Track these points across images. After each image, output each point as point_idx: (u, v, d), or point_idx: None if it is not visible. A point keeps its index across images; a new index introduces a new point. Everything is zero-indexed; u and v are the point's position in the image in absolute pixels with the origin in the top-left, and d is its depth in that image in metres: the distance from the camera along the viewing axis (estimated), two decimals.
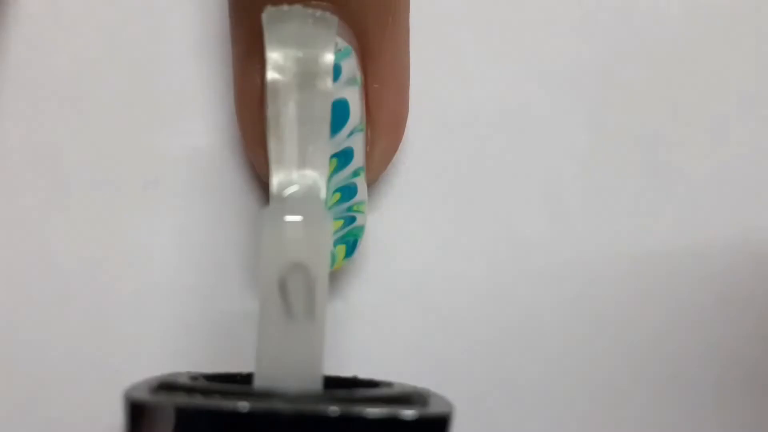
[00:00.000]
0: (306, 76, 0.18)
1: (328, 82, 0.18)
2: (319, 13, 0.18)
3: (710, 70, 0.25)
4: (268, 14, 0.18)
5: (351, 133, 0.20)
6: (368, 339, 0.23)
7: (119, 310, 0.23)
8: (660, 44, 0.26)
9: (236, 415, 0.15)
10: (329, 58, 0.18)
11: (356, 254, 0.22)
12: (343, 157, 0.20)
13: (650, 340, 0.24)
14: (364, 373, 0.21)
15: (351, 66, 0.20)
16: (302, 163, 0.18)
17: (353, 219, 0.21)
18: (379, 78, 0.21)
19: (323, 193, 0.18)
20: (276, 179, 0.18)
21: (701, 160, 0.25)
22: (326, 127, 0.18)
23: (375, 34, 0.21)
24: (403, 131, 0.23)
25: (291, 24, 0.18)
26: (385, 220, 0.24)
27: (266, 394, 0.16)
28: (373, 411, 0.15)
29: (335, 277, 0.23)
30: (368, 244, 0.24)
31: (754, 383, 0.23)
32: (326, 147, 0.18)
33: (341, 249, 0.21)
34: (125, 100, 0.24)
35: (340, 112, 0.20)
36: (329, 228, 0.18)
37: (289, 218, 0.17)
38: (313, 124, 0.18)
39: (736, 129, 0.25)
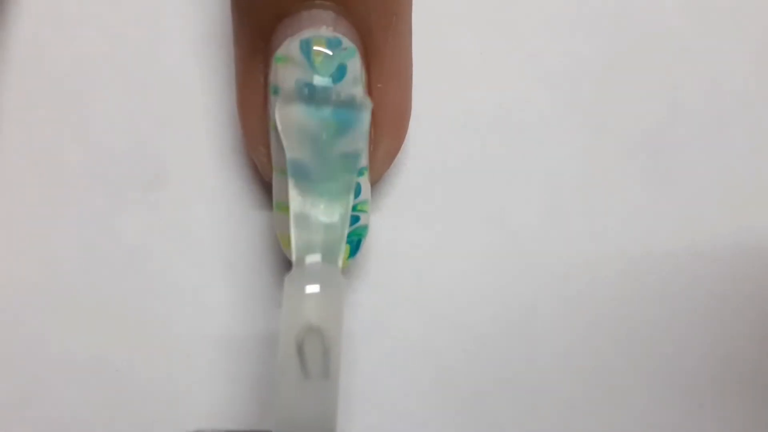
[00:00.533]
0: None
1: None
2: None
3: (710, 69, 0.26)
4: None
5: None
6: (368, 339, 0.23)
7: (119, 310, 0.23)
8: (659, 43, 0.26)
9: None
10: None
11: (357, 257, 0.22)
12: None
13: (650, 340, 0.24)
14: (364, 374, 0.22)
15: (355, 66, 0.20)
16: (323, 230, 0.19)
17: (357, 219, 0.21)
18: (383, 77, 0.21)
19: (341, 259, 0.19)
20: (297, 243, 0.19)
21: (701, 159, 0.25)
22: (353, 182, 0.19)
23: (379, 34, 0.21)
24: (406, 130, 0.23)
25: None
26: (385, 220, 0.24)
27: None
28: None
29: None
30: (368, 243, 0.24)
31: (753, 383, 0.24)
32: (349, 205, 0.19)
33: (345, 249, 0.21)
34: (125, 100, 0.25)
35: None
36: (344, 294, 0.19)
37: (309, 288, 0.18)
38: (340, 182, 0.19)
39: (736, 128, 0.25)
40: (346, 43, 0.20)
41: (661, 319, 0.24)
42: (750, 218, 0.25)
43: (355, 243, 0.21)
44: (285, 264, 0.24)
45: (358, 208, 0.21)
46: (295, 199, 0.19)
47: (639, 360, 0.24)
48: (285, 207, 0.20)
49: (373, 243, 0.24)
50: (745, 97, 0.25)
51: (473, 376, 0.23)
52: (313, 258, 0.19)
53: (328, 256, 0.19)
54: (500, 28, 0.26)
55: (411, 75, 0.22)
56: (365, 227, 0.21)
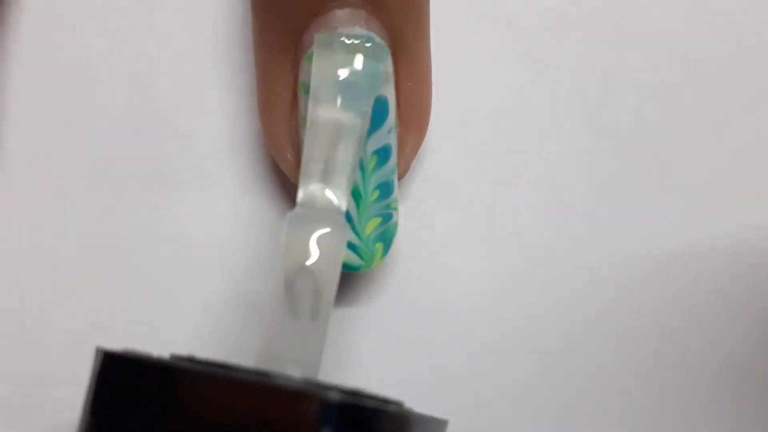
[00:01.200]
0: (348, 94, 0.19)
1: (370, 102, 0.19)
2: (369, 43, 0.19)
3: (709, 70, 0.25)
4: (318, 39, 0.19)
5: (390, 131, 0.21)
6: (368, 341, 0.23)
7: (121, 309, 0.23)
8: (659, 43, 0.25)
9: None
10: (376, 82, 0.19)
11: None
12: (383, 154, 0.21)
13: (651, 341, 0.23)
14: (363, 374, 0.22)
15: (388, 63, 0.20)
16: (330, 175, 0.19)
17: (390, 216, 0.21)
18: (412, 77, 0.21)
19: (344, 206, 0.19)
20: (303, 187, 0.19)
21: (701, 159, 0.25)
22: (359, 144, 0.19)
23: (408, 33, 0.21)
24: (428, 126, 0.23)
25: (339, 54, 0.19)
26: None
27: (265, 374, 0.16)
28: (369, 401, 0.16)
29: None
30: None
31: (754, 382, 0.23)
32: (356, 163, 0.19)
33: (379, 247, 0.21)
34: (126, 99, 0.24)
35: (381, 109, 0.20)
36: (345, 240, 0.18)
37: (310, 225, 0.18)
38: (347, 140, 0.19)
39: (736, 128, 0.25)
40: (378, 41, 0.20)
41: (661, 320, 0.24)
42: (750, 217, 0.24)
43: (388, 241, 0.22)
44: None
45: (393, 206, 0.21)
46: (306, 153, 0.19)
47: (640, 362, 0.23)
48: None
49: None
50: (745, 98, 0.25)
51: (473, 378, 0.23)
52: (319, 198, 0.18)
53: (332, 199, 0.19)
54: (501, 29, 0.26)
55: (431, 73, 0.23)
56: (396, 225, 0.22)
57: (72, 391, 0.22)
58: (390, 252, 0.23)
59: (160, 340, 0.23)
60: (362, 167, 0.20)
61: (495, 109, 0.25)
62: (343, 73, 0.19)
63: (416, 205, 0.24)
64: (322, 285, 0.17)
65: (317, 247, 0.17)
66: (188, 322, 0.23)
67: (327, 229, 0.18)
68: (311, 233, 0.18)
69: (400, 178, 0.22)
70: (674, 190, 0.25)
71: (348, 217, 0.20)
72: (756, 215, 0.25)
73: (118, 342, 0.22)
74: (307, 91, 0.20)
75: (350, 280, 0.23)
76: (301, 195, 0.19)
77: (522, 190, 0.24)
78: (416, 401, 0.21)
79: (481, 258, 0.24)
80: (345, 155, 0.19)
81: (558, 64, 0.25)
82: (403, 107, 0.21)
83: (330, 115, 0.19)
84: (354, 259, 0.21)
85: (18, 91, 0.25)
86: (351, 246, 0.21)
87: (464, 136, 0.25)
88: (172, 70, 0.25)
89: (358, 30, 0.20)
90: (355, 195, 0.20)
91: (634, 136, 0.25)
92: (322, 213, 0.18)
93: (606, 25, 0.26)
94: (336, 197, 0.18)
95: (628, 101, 0.25)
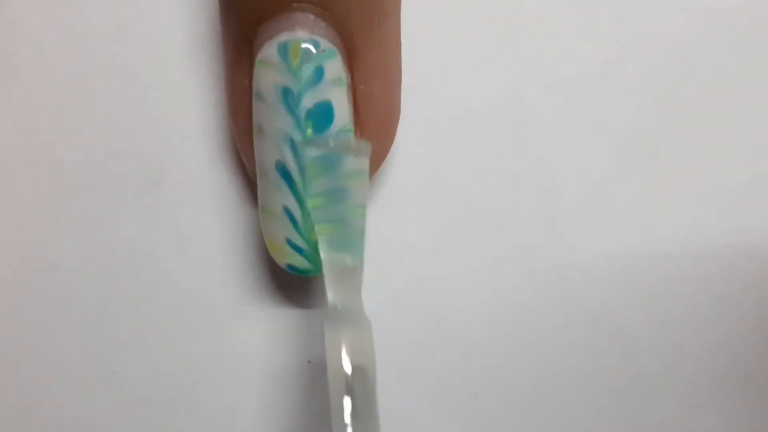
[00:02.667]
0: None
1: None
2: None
3: (712, 69, 0.26)
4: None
5: (336, 135, 0.20)
6: None
7: (118, 311, 0.23)
8: (657, 43, 0.26)
9: None
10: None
11: None
12: (326, 161, 0.20)
13: (648, 340, 0.24)
14: None
15: (335, 67, 0.20)
16: (348, 280, 0.20)
17: (347, 222, 0.21)
18: (366, 79, 0.21)
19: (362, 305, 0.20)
20: (330, 294, 0.19)
21: (699, 158, 0.25)
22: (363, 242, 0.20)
23: (360, 35, 0.20)
24: (395, 132, 0.23)
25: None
26: (380, 220, 0.24)
27: None
28: None
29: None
30: (368, 246, 0.23)
31: (752, 382, 0.24)
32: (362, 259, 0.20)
33: None
34: (121, 101, 0.24)
35: (324, 113, 0.20)
36: (372, 337, 0.19)
37: (349, 331, 0.19)
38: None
39: (735, 127, 0.25)
40: (324, 44, 0.20)
41: (659, 319, 0.24)
42: (749, 217, 0.25)
43: (348, 246, 0.21)
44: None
45: (352, 212, 0.21)
46: (324, 249, 0.20)
47: (638, 361, 0.24)
48: (269, 211, 0.20)
49: (368, 246, 0.23)
50: (744, 97, 0.26)
51: (472, 378, 0.23)
52: (344, 299, 0.19)
53: (354, 294, 0.20)
54: (497, 28, 0.26)
55: (399, 75, 0.22)
56: (360, 230, 0.21)
57: (71, 392, 0.23)
58: (385, 250, 0.24)
59: (158, 340, 0.23)
60: (301, 172, 0.20)
61: (491, 105, 0.25)
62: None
63: (412, 203, 0.25)
64: (373, 382, 0.18)
65: (360, 348, 0.19)
66: (187, 322, 0.23)
67: (362, 329, 0.19)
68: (351, 336, 0.19)
69: None
70: (673, 187, 0.25)
71: (293, 220, 0.20)
72: (757, 213, 0.25)
73: (117, 342, 0.23)
74: (259, 96, 0.20)
75: None
76: (330, 298, 0.19)
77: (519, 187, 0.25)
78: (412, 400, 0.22)
79: (477, 256, 0.24)
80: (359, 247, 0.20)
81: (554, 61, 0.25)
82: (360, 111, 0.21)
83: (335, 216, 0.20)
84: (304, 263, 0.21)
85: (13, 92, 0.25)
86: (299, 249, 0.21)
87: (460, 133, 0.25)
88: (169, 71, 0.25)
89: (302, 34, 0.20)
90: (299, 200, 0.20)
91: (632, 132, 0.25)
92: (354, 314, 0.19)
93: (603, 21, 0.26)
94: (358, 297, 0.20)
95: (626, 97, 0.25)
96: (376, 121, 0.21)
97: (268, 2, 0.20)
